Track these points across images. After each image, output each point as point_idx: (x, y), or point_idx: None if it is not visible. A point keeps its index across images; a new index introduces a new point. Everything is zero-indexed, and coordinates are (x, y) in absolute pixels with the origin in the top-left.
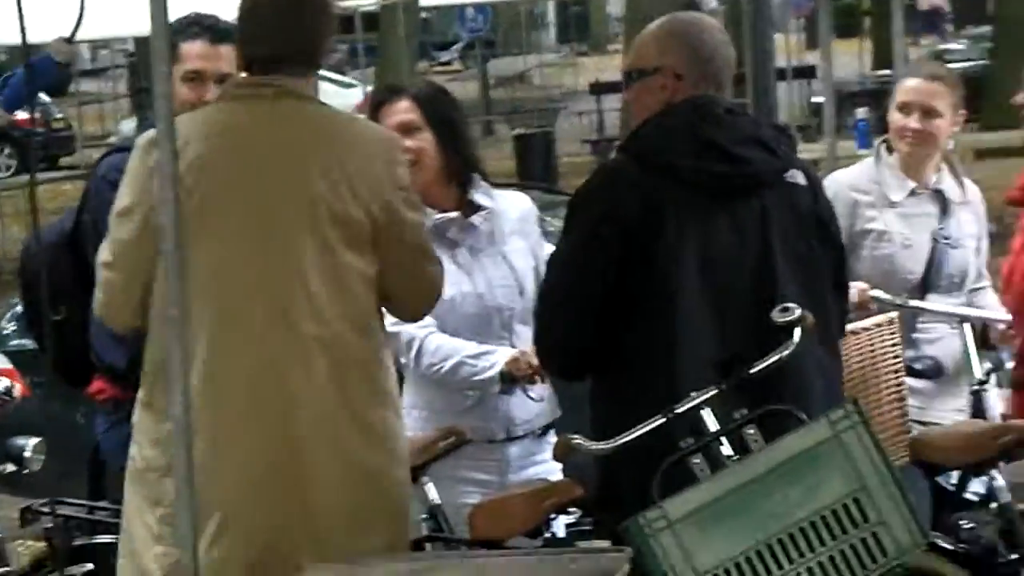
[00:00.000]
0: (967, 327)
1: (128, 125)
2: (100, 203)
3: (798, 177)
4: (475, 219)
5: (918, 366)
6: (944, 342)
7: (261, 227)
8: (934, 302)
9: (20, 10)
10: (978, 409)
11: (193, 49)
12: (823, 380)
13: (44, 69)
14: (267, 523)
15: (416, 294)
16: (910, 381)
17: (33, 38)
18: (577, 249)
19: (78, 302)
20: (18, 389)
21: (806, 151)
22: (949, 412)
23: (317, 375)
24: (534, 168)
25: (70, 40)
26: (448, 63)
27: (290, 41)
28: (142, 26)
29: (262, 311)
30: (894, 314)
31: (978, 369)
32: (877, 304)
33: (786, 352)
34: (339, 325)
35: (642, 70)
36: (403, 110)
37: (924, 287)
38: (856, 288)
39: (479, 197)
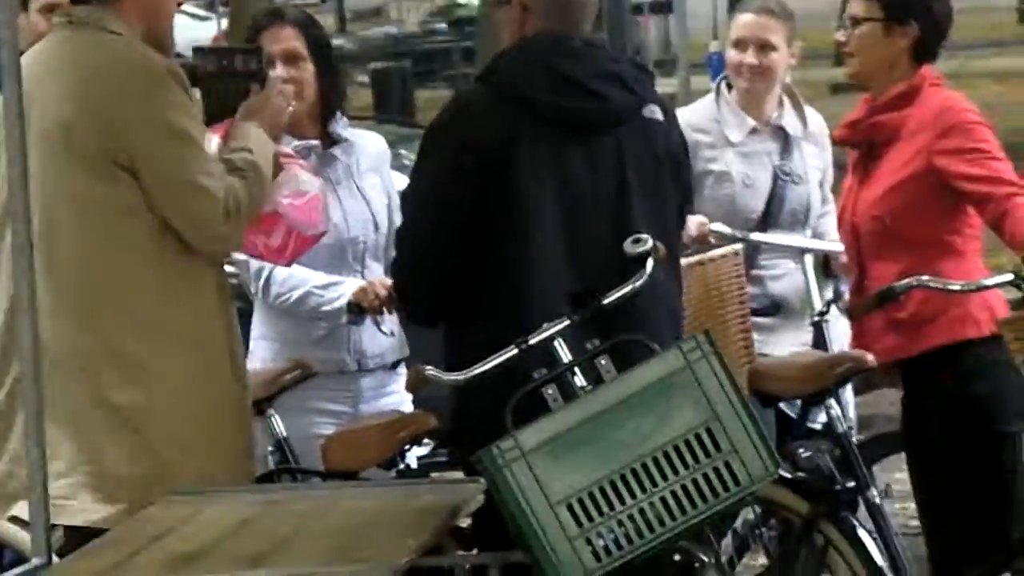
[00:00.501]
0: (808, 258)
1: None
2: None
3: (656, 112)
4: (335, 150)
5: (755, 304)
6: (788, 278)
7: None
8: (771, 236)
9: None
10: (819, 340)
11: None
12: (667, 309)
13: None
14: None
15: (184, 228)
16: (753, 318)
17: None
18: (436, 180)
19: None
20: None
21: (664, 86)
22: (793, 347)
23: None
24: (392, 102)
25: None
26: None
27: None
28: None
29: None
30: (739, 246)
31: (818, 301)
32: (716, 238)
33: (639, 283)
34: (83, 252)
35: (494, 1)
36: (288, 37)
37: (766, 224)
38: (695, 222)
39: (339, 129)
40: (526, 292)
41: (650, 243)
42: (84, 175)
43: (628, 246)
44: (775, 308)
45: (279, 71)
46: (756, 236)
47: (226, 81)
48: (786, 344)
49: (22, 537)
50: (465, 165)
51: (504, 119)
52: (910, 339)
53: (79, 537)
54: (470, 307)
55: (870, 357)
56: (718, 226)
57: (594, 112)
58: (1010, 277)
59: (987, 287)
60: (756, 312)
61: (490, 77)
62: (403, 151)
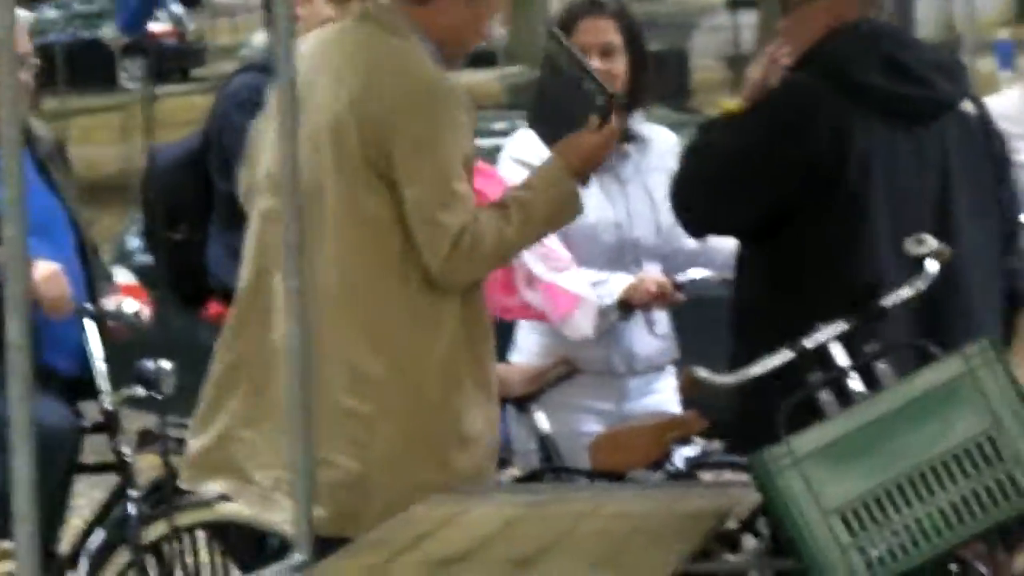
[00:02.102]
0: None
1: (259, 38)
2: (225, 123)
3: (969, 107)
4: (629, 147)
5: None
6: None
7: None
8: None
9: None
10: None
11: None
12: (990, 311)
13: None
14: None
15: (421, 253)
16: None
17: None
18: (763, 141)
19: (198, 222)
20: (146, 312)
21: None
22: None
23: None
24: (668, 84)
25: None
26: None
27: None
28: None
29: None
30: None
31: None
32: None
33: (921, 285)
34: (332, 257)
35: None
36: (606, 29)
37: None
38: None
39: (636, 125)
40: (842, 280)
41: (933, 244)
42: (347, 178)
43: (909, 245)
44: None
45: (595, 63)
46: None
47: (570, 94)
48: None
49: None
50: (798, 138)
51: (836, 108)
52: None
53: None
54: (775, 276)
55: None
56: None
57: (923, 100)
58: None
59: None
60: None
61: (818, 63)
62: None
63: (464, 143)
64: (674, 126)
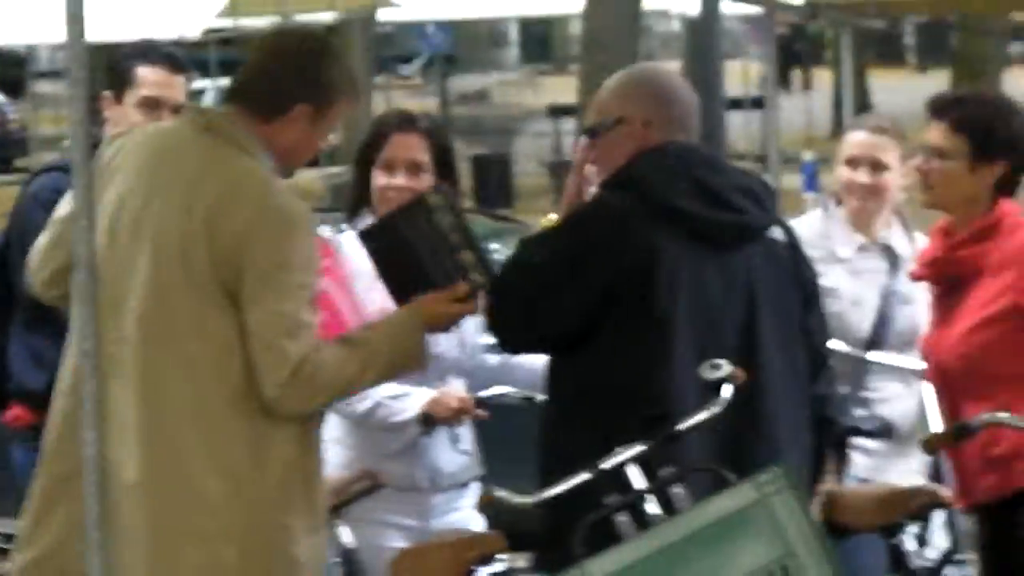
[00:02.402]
0: (925, 384)
1: None
2: (27, 223)
3: (778, 233)
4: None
5: (867, 426)
6: (897, 401)
7: (131, 258)
8: (889, 356)
9: None
10: (936, 469)
11: (151, 75)
12: (795, 434)
13: None
14: None
15: (258, 380)
16: (862, 442)
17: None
18: (565, 255)
19: None
20: None
21: None
22: (905, 473)
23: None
24: (491, 189)
25: None
26: (409, 77)
27: (258, 83)
28: (102, 32)
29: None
30: None
31: (936, 427)
32: (833, 356)
33: (715, 409)
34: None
35: (606, 122)
36: (416, 147)
37: (874, 345)
38: None
39: None
40: (641, 403)
41: (727, 369)
42: (195, 294)
43: (704, 371)
44: (887, 431)
45: (399, 180)
46: (874, 355)
47: (440, 253)
48: (899, 471)
49: None
50: (602, 259)
51: (647, 226)
52: (1008, 475)
53: None
54: (580, 395)
55: (946, 492)
56: (835, 344)
57: (731, 225)
58: None
59: None
60: (867, 434)
61: (629, 184)
62: (495, 244)
63: (314, 271)
64: (496, 234)
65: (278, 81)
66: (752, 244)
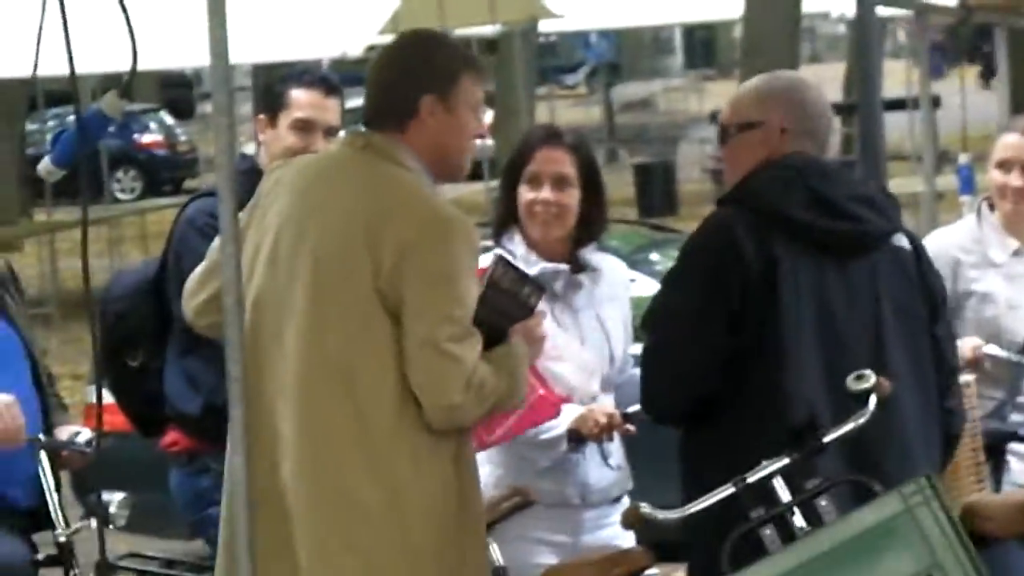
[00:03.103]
0: None
1: (250, 149)
2: (184, 249)
3: (903, 241)
4: (582, 277)
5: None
6: None
7: (289, 282)
8: None
9: (70, 53)
10: None
11: (304, 98)
12: (924, 445)
13: (96, 126)
14: None
15: (422, 388)
16: (1020, 447)
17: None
18: (695, 298)
19: (156, 348)
20: (101, 440)
21: (912, 185)
22: None
23: None
24: (654, 197)
25: (124, 95)
26: (573, 87)
27: (381, 98)
28: (266, 53)
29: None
30: (970, 377)
31: None
32: (991, 361)
33: (862, 420)
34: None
35: (742, 124)
36: (562, 161)
37: None
38: (969, 344)
39: (587, 254)
40: (779, 416)
41: (873, 379)
42: (354, 309)
43: (850, 382)
44: None
45: (545, 193)
46: None
47: (508, 302)
48: None
49: None
50: (725, 283)
51: (764, 240)
52: None
53: None
54: (724, 412)
55: None
56: (992, 348)
57: (850, 234)
58: None
59: None
60: (1023, 439)
61: (745, 198)
62: (654, 256)
63: (474, 270)
64: (656, 244)
65: (393, 86)
66: (875, 252)
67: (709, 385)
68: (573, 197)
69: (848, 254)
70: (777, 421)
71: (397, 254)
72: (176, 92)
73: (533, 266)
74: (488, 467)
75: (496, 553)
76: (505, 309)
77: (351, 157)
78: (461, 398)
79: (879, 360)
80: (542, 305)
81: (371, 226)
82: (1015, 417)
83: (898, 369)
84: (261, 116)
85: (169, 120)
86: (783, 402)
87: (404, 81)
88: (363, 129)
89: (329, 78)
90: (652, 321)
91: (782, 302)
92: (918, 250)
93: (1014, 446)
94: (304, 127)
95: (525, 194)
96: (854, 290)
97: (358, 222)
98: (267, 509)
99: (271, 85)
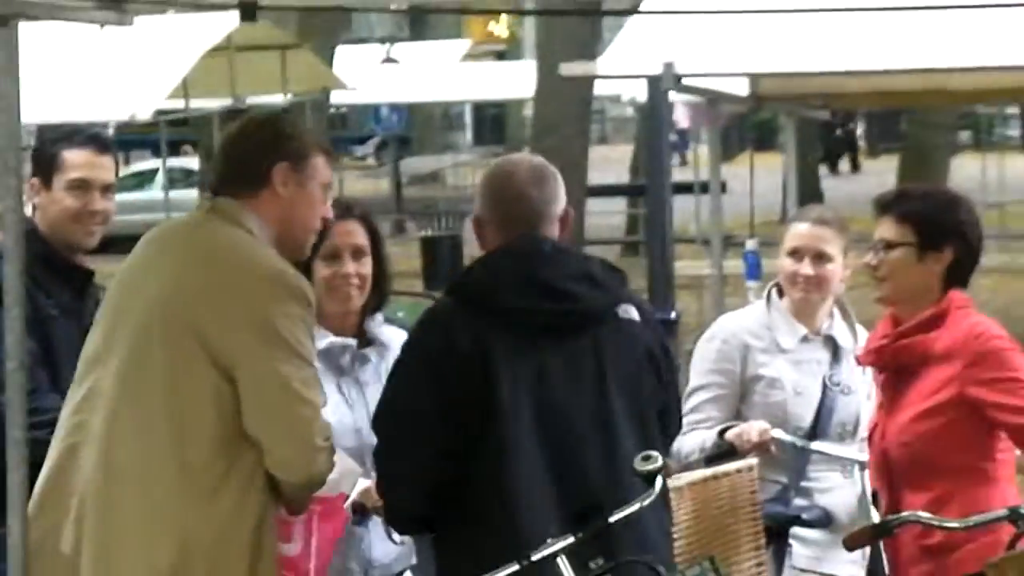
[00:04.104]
0: (866, 474)
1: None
2: None
3: (631, 312)
4: (369, 351)
5: (807, 516)
6: (837, 491)
7: (114, 328)
8: (831, 447)
9: None
10: (875, 558)
11: (78, 158)
12: (656, 522)
13: None
14: None
15: (281, 442)
16: (803, 532)
17: None
18: (414, 394)
19: None
20: None
21: (698, 267)
22: (845, 564)
23: None
24: (441, 270)
25: None
26: (363, 158)
27: (232, 166)
28: (49, 115)
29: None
30: (753, 460)
31: (875, 517)
32: (776, 445)
33: (647, 500)
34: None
35: (473, 217)
36: (357, 233)
37: (814, 434)
38: (757, 428)
39: (374, 328)
40: (510, 504)
41: (660, 461)
42: (180, 371)
43: (638, 463)
44: (827, 521)
45: (348, 267)
46: (817, 445)
47: None
48: (841, 560)
49: None
50: (441, 379)
51: (476, 330)
52: (943, 566)
53: None
54: (456, 512)
55: None
56: (779, 433)
57: (566, 313)
58: (1005, 513)
59: (983, 523)
60: (807, 523)
61: (458, 288)
62: None
63: (310, 333)
64: None
65: (248, 154)
66: (597, 328)
67: (437, 483)
68: (369, 267)
69: (567, 333)
70: (505, 522)
71: (228, 312)
72: None
73: (322, 339)
74: None
75: None
76: None
77: (192, 220)
78: (322, 442)
79: (606, 434)
80: (330, 379)
81: (200, 284)
82: (798, 501)
83: (622, 442)
84: (34, 180)
85: None
86: (506, 499)
87: (258, 150)
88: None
89: (101, 135)
90: (375, 422)
91: (499, 392)
92: (646, 318)
93: (796, 530)
94: (81, 186)
95: (322, 270)
96: (577, 370)
97: (188, 281)
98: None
99: (42, 148)
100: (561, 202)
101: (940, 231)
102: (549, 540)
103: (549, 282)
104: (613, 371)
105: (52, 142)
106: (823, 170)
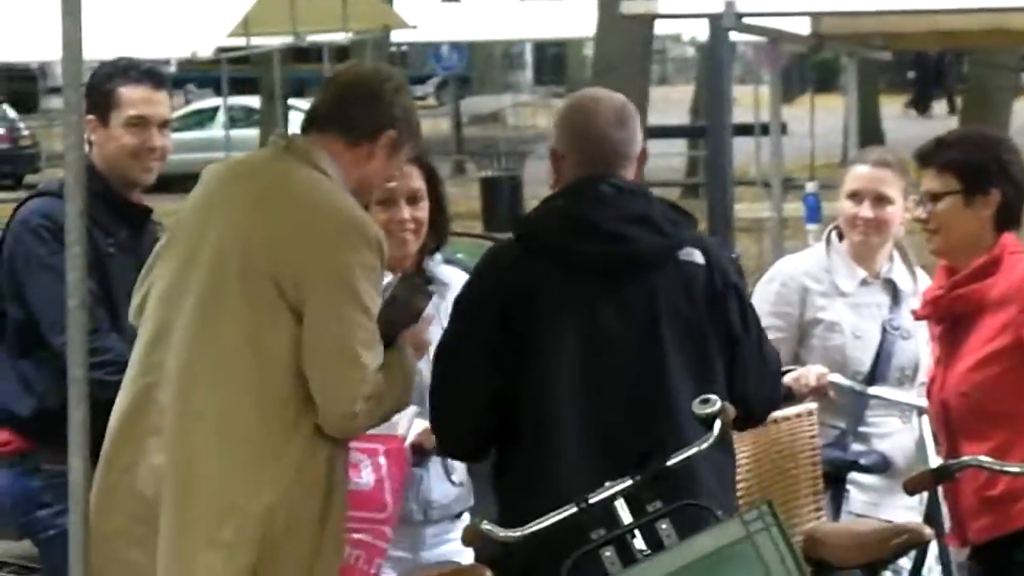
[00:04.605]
0: (924, 419)
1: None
2: (16, 250)
3: (694, 255)
4: (430, 290)
5: (864, 461)
6: (895, 436)
7: (186, 265)
8: (890, 391)
9: None
10: (933, 505)
11: (135, 94)
12: (712, 465)
13: None
14: None
15: (322, 393)
16: (860, 477)
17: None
18: (462, 331)
19: None
20: None
21: (758, 210)
22: (901, 509)
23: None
24: (501, 211)
25: None
26: (423, 98)
27: (345, 107)
28: (112, 52)
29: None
30: (812, 405)
31: (933, 462)
32: (835, 389)
33: (706, 444)
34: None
35: (550, 149)
36: (413, 176)
37: (873, 379)
38: (815, 372)
39: (434, 268)
40: (549, 446)
41: (719, 404)
42: (252, 307)
43: (696, 406)
44: (885, 465)
45: (404, 212)
46: (875, 390)
47: (399, 309)
48: (897, 506)
49: None
50: (487, 319)
51: (526, 269)
52: (1005, 516)
53: None
54: (511, 444)
55: (927, 531)
56: (837, 377)
57: (616, 256)
58: None
59: None
60: (865, 469)
61: (518, 230)
62: None
63: (380, 285)
64: None
65: (372, 106)
66: (653, 272)
67: (483, 419)
68: (426, 211)
69: (620, 277)
70: (544, 462)
71: (303, 256)
72: (20, 86)
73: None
74: None
75: None
76: (396, 315)
77: (268, 157)
78: (362, 406)
79: (655, 378)
80: (429, 308)
81: (276, 226)
82: (856, 447)
83: (676, 386)
84: (90, 117)
85: (12, 113)
86: (548, 435)
87: (387, 106)
88: (281, 131)
89: (155, 70)
90: (435, 354)
91: (541, 332)
92: (713, 261)
93: (854, 475)
94: (139, 123)
95: (378, 214)
96: (629, 313)
97: (262, 222)
98: (131, 498)
99: (96, 85)
100: (639, 142)
101: (984, 174)
102: (607, 483)
103: (602, 224)
104: (669, 316)
105: (107, 78)
106: (892, 111)
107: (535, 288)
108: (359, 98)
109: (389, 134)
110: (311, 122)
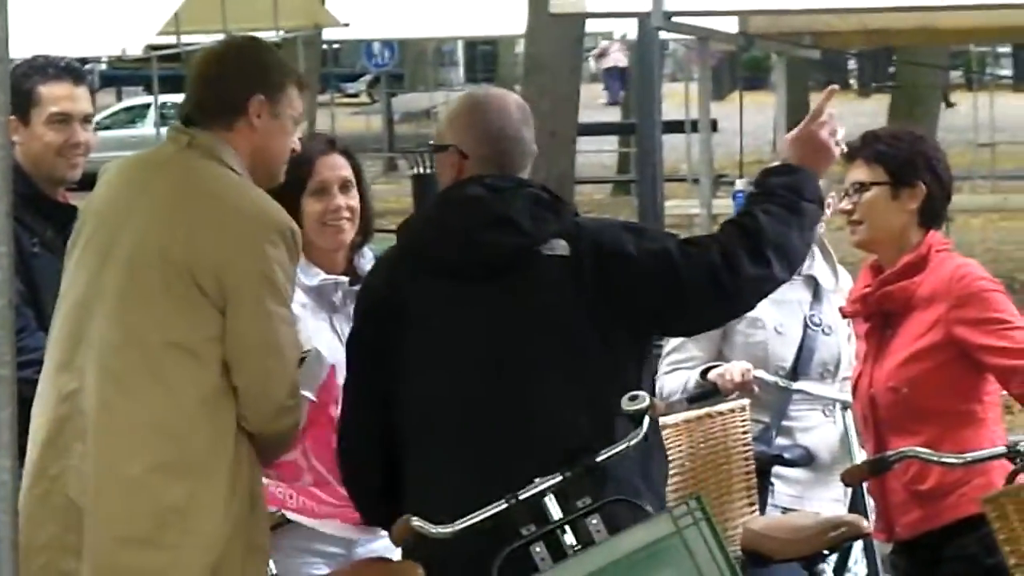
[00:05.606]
0: (848, 413)
1: None
2: None
3: (557, 248)
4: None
5: (788, 455)
6: (818, 430)
7: (101, 268)
8: (813, 386)
9: None
10: (857, 499)
11: (55, 91)
12: (634, 461)
13: None
14: None
15: (250, 387)
16: (784, 471)
17: None
18: (352, 334)
19: None
20: None
21: (688, 207)
22: (826, 502)
23: None
24: None
25: None
26: (355, 95)
27: (207, 94)
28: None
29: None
30: (745, 401)
31: (858, 456)
32: (759, 385)
33: (634, 440)
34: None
35: (437, 145)
36: (343, 166)
37: (795, 374)
38: (739, 368)
39: (364, 265)
40: (429, 451)
41: (647, 401)
42: (175, 305)
43: (625, 403)
44: (808, 458)
45: (338, 200)
46: (799, 385)
47: None
48: (823, 499)
49: None
50: (367, 323)
51: (397, 274)
52: (935, 511)
53: None
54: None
55: (866, 524)
56: (761, 373)
57: (473, 262)
58: (1003, 450)
59: (981, 460)
60: (788, 463)
61: (401, 233)
62: None
63: (293, 279)
64: None
65: (224, 82)
66: (512, 272)
67: (376, 423)
68: (357, 200)
69: (481, 281)
70: (425, 466)
71: (222, 254)
72: None
73: (313, 277)
74: None
75: (271, 566)
76: None
77: (174, 155)
78: (291, 401)
79: (523, 380)
80: (323, 316)
81: (192, 226)
82: (780, 440)
83: (546, 387)
84: (11, 117)
85: None
86: (424, 449)
87: (235, 79)
88: (179, 125)
89: (73, 66)
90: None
91: (410, 339)
92: (579, 248)
93: (778, 469)
94: (62, 120)
95: (313, 205)
96: (493, 315)
97: (179, 221)
98: (62, 506)
99: (13, 85)
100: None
101: (911, 167)
102: (537, 479)
103: (461, 230)
104: (534, 313)
105: (25, 77)
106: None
107: (404, 293)
108: (211, 80)
109: (256, 100)
110: (188, 119)
